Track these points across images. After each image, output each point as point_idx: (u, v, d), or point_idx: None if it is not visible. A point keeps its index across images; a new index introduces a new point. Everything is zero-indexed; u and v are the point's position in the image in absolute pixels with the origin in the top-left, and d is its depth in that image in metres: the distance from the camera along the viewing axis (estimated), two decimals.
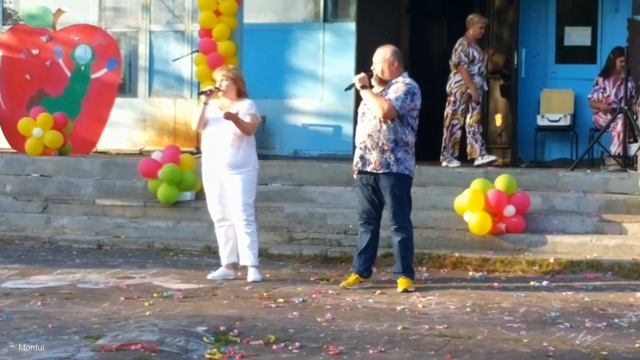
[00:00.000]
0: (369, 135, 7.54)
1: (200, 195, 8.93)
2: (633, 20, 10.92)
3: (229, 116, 7.75)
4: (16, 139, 11.96)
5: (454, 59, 10.98)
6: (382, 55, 7.63)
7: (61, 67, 12.40)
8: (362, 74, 7.65)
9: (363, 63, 12.34)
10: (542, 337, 6.05)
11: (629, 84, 10.65)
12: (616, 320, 6.58)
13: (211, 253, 8.76)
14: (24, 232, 10.01)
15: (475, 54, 11.01)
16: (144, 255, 9.14)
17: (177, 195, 10.02)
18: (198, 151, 10.46)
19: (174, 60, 13.22)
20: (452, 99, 10.99)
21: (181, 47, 13.49)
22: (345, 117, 12.67)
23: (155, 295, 7.28)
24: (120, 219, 10.05)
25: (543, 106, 12.23)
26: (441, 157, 11.00)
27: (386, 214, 7.77)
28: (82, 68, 12.33)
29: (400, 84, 7.57)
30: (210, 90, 7.98)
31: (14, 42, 12.63)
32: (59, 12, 12.58)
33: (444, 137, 11.03)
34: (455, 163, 10.89)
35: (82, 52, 12.33)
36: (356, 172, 7.69)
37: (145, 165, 10.15)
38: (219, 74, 8.02)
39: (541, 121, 12.07)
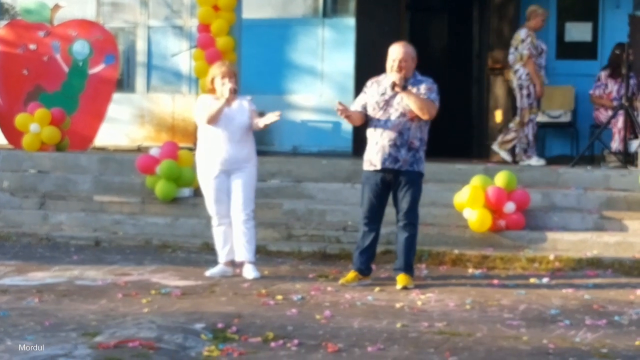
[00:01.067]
0: (400, 133, 7.50)
1: (198, 192, 8.88)
2: (634, 16, 10.85)
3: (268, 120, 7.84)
4: (13, 135, 11.93)
5: (524, 50, 10.51)
6: (407, 53, 7.54)
7: (58, 62, 12.36)
8: (398, 74, 7.49)
9: (363, 59, 12.37)
10: (542, 335, 6.01)
11: (631, 81, 10.60)
12: (616, 317, 6.56)
13: (209, 250, 8.71)
14: (21, 229, 9.96)
15: (543, 45, 10.66)
16: (141, 251, 9.10)
17: (175, 191, 9.98)
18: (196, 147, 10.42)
19: (173, 56, 13.18)
20: (524, 92, 10.65)
21: (180, 42, 13.46)
22: None
23: (153, 292, 7.24)
24: (118, 216, 10.01)
25: (543, 102, 12.18)
26: (519, 155, 10.77)
27: (388, 212, 7.73)
28: (80, 63, 12.30)
29: (429, 83, 7.61)
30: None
31: (11, 37, 12.60)
32: (57, 7, 12.56)
33: (524, 134, 10.73)
34: (542, 161, 10.65)
35: (80, 48, 12.30)
36: (377, 168, 7.55)
37: (143, 161, 10.11)
38: (222, 69, 7.96)
39: (541, 117, 12.03)
